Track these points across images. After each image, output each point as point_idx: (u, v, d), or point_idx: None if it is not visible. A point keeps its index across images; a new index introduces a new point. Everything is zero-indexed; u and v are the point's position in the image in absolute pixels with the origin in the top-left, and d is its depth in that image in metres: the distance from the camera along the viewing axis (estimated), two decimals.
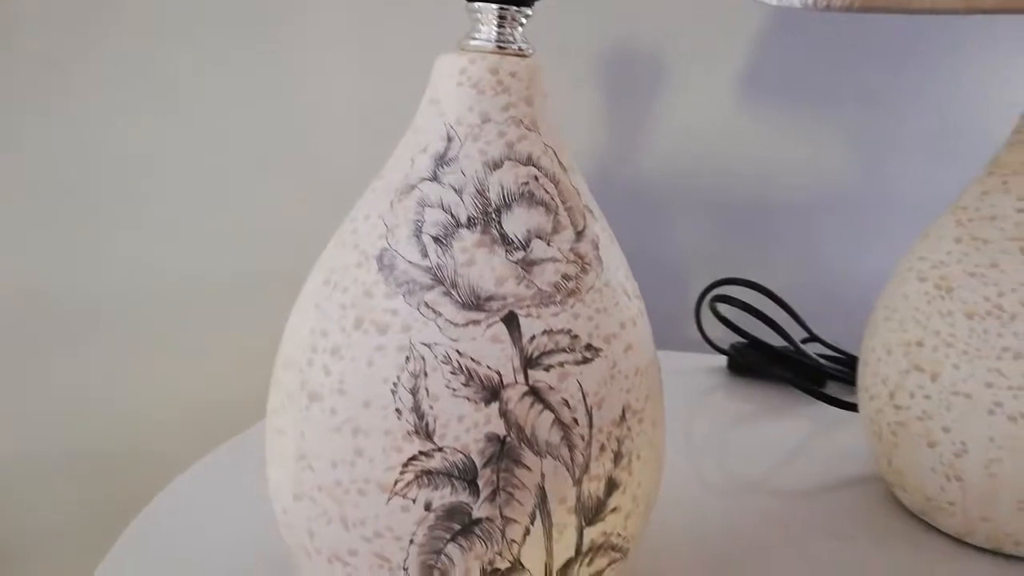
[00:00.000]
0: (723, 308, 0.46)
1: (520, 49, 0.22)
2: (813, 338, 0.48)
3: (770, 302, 0.47)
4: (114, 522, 0.31)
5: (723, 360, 0.50)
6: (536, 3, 0.22)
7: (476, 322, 0.19)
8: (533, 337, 0.19)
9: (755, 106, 0.53)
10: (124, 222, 0.47)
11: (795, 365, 0.45)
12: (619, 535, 0.21)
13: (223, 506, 0.31)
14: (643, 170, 0.53)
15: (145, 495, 0.31)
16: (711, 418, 0.44)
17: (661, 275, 0.55)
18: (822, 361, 0.46)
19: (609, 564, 0.21)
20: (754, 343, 0.46)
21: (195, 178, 0.48)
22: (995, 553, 0.30)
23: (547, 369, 0.19)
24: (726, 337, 0.48)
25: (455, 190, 0.20)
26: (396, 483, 0.19)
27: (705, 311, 0.48)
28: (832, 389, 0.46)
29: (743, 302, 0.45)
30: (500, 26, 0.21)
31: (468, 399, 0.19)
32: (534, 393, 0.19)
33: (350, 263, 0.21)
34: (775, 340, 0.46)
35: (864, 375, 0.32)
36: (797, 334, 0.47)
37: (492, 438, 0.19)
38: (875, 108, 0.53)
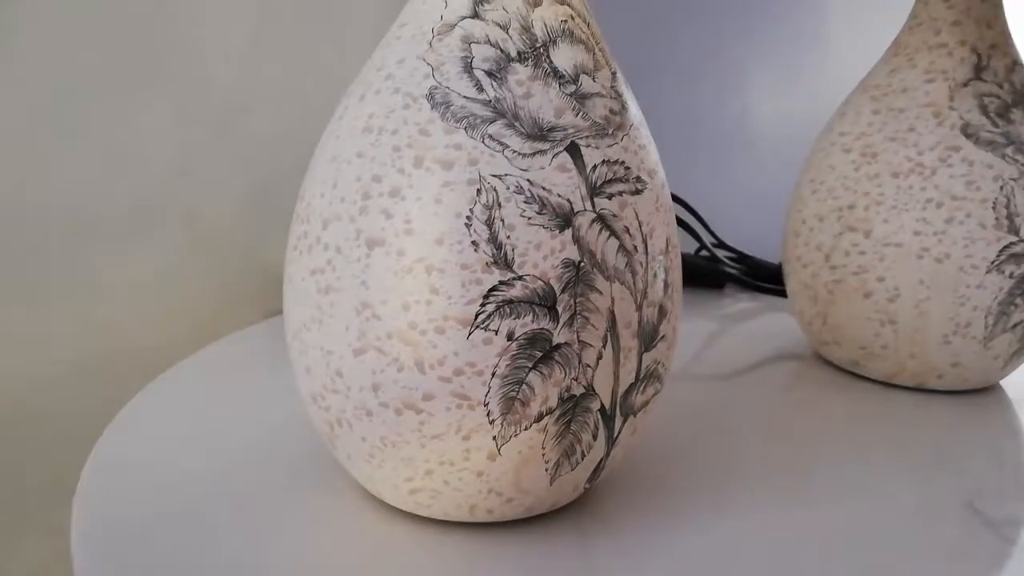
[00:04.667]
0: None
1: None
2: (721, 244, 0.51)
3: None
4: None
5: None
6: None
7: (543, 152, 0.19)
8: (595, 167, 0.20)
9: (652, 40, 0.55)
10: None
11: (699, 266, 0.49)
12: (663, 365, 0.22)
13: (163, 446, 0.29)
14: None
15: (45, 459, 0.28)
16: None
17: None
18: (726, 261, 0.49)
19: (654, 395, 0.22)
20: None
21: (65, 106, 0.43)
22: (919, 390, 0.34)
23: (609, 197, 0.20)
24: None
25: (500, 26, 0.20)
26: (478, 316, 0.19)
27: None
28: (730, 289, 0.50)
29: None
30: None
31: (543, 227, 0.19)
32: (601, 220, 0.20)
33: (396, 105, 0.20)
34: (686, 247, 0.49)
35: (796, 246, 0.36)
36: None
37: (568, 264, 0.19)
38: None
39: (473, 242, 0.19)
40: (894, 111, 0.33)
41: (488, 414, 0.19)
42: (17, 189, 0.37)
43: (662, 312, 0.21)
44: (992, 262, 0.31)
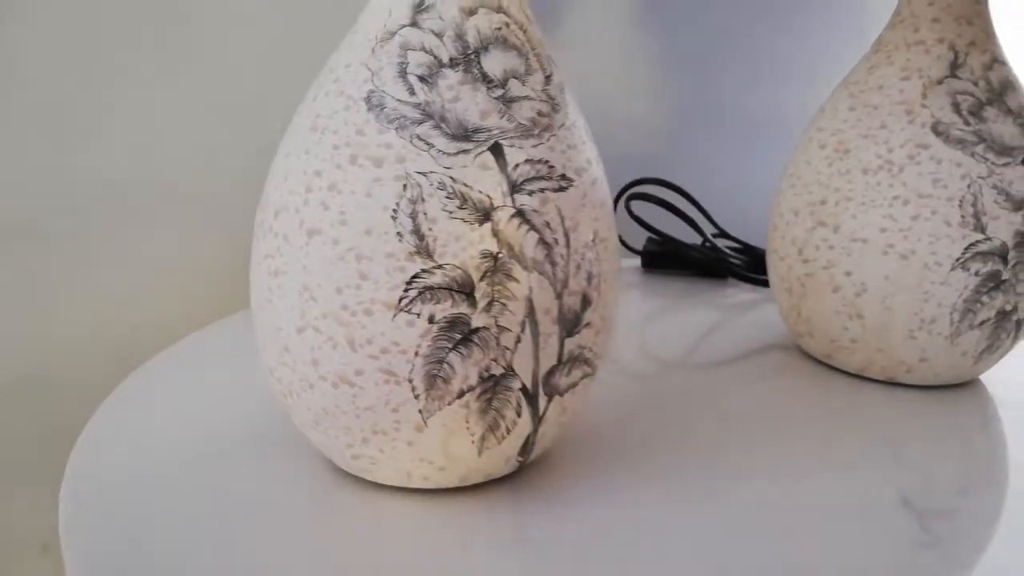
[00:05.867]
0: (640, 207, 0.49)
1: None
2: (722, 234, 0.52)
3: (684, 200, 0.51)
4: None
5: (637, 260, 0.53)
6: None
7: (466, 151, 0.21)
8: (517, 165, 0.21)
9: (661, 28, 0.56)
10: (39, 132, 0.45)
11: (703, 257, 0.49)
12: (590, 350, 0.24)
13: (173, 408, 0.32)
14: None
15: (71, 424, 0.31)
16: (628, 312, 0.47)
17: None
18: (728, 252, 0.50)
19: (583, 377, 0.24)
20: (666, 239, 0.50)
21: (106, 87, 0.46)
22: (889, 383, 0.35)
23: (530, 194, 0.22)
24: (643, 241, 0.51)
25: (435, 34, 0.22)
26: (401, 300, 0.21)
27: (621, 213, 0.51)
28: (733, 280, 0.51)
29: (658, 198, 0.48)
30: None
31: (464, 220, 0.21)
32: (521, 215, 0.21)
33: (338, 107, 0.22)
34: (691, 237, 0.50)
35: (774, 239, 0.36)
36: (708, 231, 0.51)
37: (486, 255, 0.21)
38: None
39: (398, 233, 0.21)
40: (868, 108, 0.33)
41: (413, 389, 0.21)
42: (47, 170, 0.40)
43: (586, 301, 0.23)
44: (957, 259, 0.31)
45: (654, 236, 0.50)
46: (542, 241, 0.22)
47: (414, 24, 0.22)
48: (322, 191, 0.21)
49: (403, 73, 0.21)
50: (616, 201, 0.51)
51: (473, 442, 0.23)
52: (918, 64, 0.32)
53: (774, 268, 0.37)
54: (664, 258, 0.51)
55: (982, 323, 0.32)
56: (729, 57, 0.58)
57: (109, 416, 0.29)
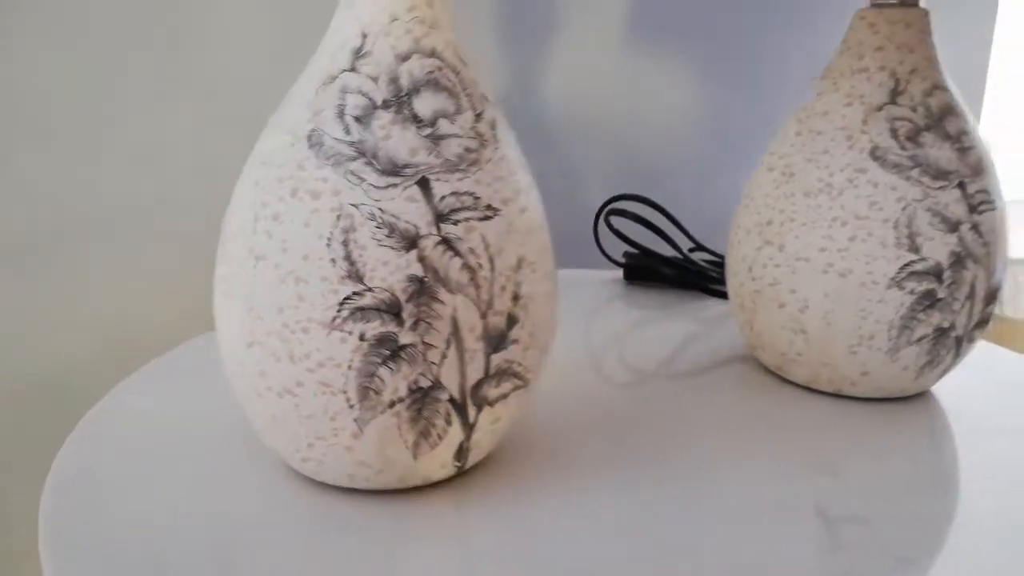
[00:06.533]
0: (619, 222, 0.51)
1: None
2: (699, 247, 0.53)
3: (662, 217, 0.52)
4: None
5: (620, 272, 0.55)
6: None
7: (395, 185, 0.23)
8: (443, 197, 0.24)
9: (648, 43, 0.58)
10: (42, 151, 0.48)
11: (681, 270, 0.51)
12: (520, 364, 0.26)
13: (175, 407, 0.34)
14: (549, 107, 0.58)
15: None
16: (609, 323, 0.49)
17: (564, 199, 0.59)
18: (705, 265, 0.52)
19: (513, 389, 0.26)
20: (645, 253, 0.52)
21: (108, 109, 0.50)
22: (836, 395, 0.36)
23: (455, 223, 0.24)
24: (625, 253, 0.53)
25: (371, 78, 0.24)
26: (334, 319, 0.23)
27: (603, 228, 0.53)
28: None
29: (635, 215, 0.50)
30: None
31: (391, 247, 0.23)
32: (445, 242, 0.24)
33: (284, 144, 0.24)
34: (670, 250, 0.52)
35: (730, 256, 0.38)
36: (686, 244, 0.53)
37: (413, 279, 0.23)
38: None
39: (332, 259, 0.23)
40: (813, 133, 0.35)
41: (348, 400, 0.24)
42: (54, 186, 0.43)
43: (512, 320, 0.25)
44: (892, 279, 0.32)
45: (631, 250, 0.52)
46: (466, 266, 0.24)
47: (353, 69, 0.24)
48: (267, 220, 0.24)
49: (341, 114, 0.24)
50: (597, 217, 0.53)
51: (407, 448, 0.25)
52: (860, 91, 0.34)
53: (730, 283, 0.38)
54: (645, 271, 0.53)
55: (920, 339, 0.33)
56: (714, 77, 0.60)
57: (98, 419, 0.32)
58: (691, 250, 0.52)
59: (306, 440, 0.25)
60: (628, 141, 0.60)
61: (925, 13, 0.34)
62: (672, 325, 0.48)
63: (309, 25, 0.48)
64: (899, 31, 0.34)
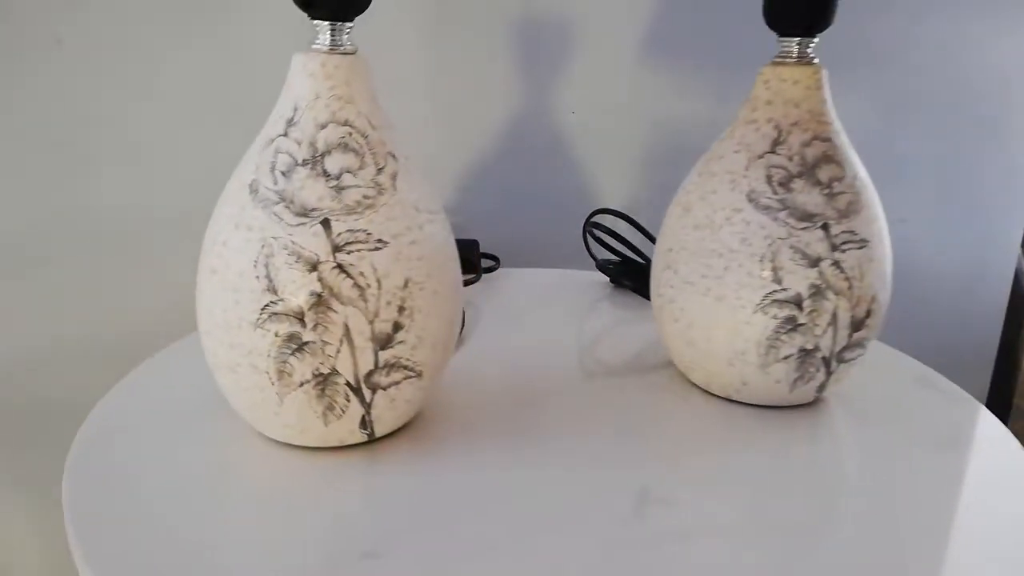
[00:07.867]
0: (601, 234, 0.58)
1: (346, 49, 0.33)
2: None
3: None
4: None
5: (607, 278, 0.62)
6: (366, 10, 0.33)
7: (304, 224, 0.32)
8: (340, 233, 0.32)
9: (645, 70, 0.63)
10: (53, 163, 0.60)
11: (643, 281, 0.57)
12: (409, 359, 0.34)
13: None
14: (564, 129, 0.64)
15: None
16: (594, 321, 0.56)
17: (574, 208, 0.66)
18: None
19: (405, 378, 0.34)
20: (623, 260, 0.58)
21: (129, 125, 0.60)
22: (728, 400, 0.42)
23: (349, 253, 0.32)
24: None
25: (296, 142, 0.32)
26: (258, 319, 0.32)
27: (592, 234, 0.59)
28: None
29: (609, 229, 0.56)
30: (331, 34, 0.33)
31: (298, 270, 0.31)
32: (340, 267, 0.32)
33: (236, 188, 0.33)
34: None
35: (651, 274, 0.44)
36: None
37: (313, 293, 0.31)
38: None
39: (257, 276, 0.32)
40: (708, 174, 0.40)
41: (269, 379, 0.32)
42: (73, 197, 0.54)
43: (397, 326, 0.33)
44: (758, 304, 0.38)
45: (607, 259, 0.58)
46: (356, 285, 0.32)
47: (285, 134, 0.33)
48: (219, 245, 0.33)
49: (272, 168, 0.32)
50: (585, 228, 0.60)
51: (318, 416, 0.33)
52: (748, 140, 0.39)
53: (652, 300, 0.45)
54: (627, 277, 0.59)
55: (786, 357, 0.38)
56: (729, 102, 0.65)
57: (115, 400, 0.43)
58: None
59: (251, 405, 0.34)
60: (637, 154, 0.66)
61: (817, 70, 0.39)
62: (631, 329, 0.54)
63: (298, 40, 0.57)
64: (787, 88, 0.39)
